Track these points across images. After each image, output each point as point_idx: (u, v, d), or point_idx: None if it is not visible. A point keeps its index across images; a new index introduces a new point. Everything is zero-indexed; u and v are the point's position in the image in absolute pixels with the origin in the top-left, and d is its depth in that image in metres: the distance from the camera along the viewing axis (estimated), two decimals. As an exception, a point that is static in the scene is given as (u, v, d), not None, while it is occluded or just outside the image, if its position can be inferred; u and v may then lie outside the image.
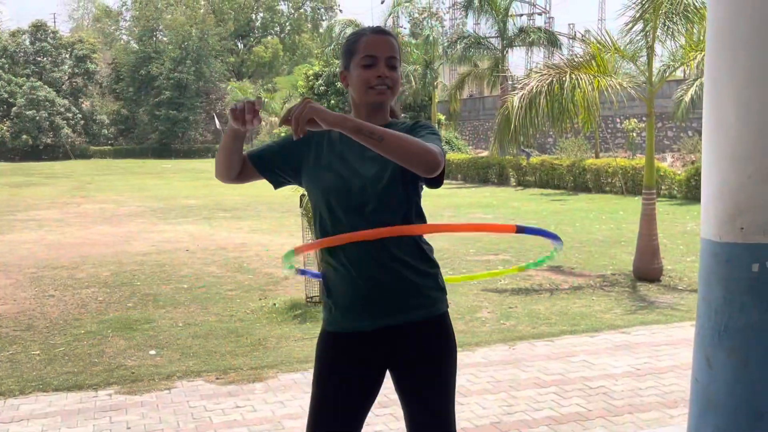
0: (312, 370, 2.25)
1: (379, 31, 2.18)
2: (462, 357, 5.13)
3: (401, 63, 2.20)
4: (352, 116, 1.95)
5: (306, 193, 2.22)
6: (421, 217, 2.20)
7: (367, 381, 2.19)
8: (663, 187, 17.69)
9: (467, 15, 27.52)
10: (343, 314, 2.14)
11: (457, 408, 4.17)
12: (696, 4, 7.71)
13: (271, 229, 12.56)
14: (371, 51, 2.12)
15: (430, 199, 20.91)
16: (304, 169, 2.18)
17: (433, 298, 2.16)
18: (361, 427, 2.19)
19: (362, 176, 2.10)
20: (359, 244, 2.06)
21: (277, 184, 2.25)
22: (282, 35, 64.42)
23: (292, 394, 4.42)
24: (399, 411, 3.75)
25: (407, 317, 2.12)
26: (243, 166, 2.17)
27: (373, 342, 2.15)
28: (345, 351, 2.16)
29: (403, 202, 2.13)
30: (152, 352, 5.43)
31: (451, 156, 26.85)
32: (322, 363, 2.20)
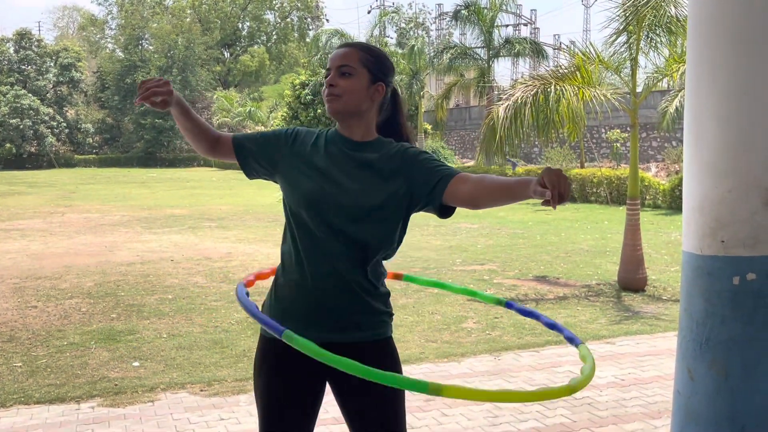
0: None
1: (343, 45, 2.22)
2: (448, 368, 5.14)
3: (380, 72, 2.18)
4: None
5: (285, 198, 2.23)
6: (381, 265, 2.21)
7: (310, 391, 2.17)
8: (647, 197, 17.83)
9: (456, 25, 27.68)
10: (289, 321, 2.09)
11: (443, 420, 4.18)
12: (679, 16, 7.81)
13: (257, 239, 12.52)
14: (329, 63, 2.18)
15: (416, 209, 20.67)
16: (283, 168, 2.18)
17: (382, 320, 2.17)
18: None
19: (352, 194, 2.10)
20: (322, 259, 2.08)
21: (250, 175, 2.27)
22: (268, 44, 64.39)
23: (277, 406, 4.39)
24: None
25: (354, 336, 2.12)
26: (223, 145, 2.23)
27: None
28: (288, 358, 2.12)
29: (390, 234, 2.14)
30: (136, 363, 5.39)
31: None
32: (266, 371, 2.17)
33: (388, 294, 2.22)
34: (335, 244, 2.08)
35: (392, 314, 2.24)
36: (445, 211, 2.12)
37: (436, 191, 2.07)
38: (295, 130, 2.24)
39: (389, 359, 2.16)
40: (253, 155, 2.21)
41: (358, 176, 2.11)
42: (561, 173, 1.77)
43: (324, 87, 2.17)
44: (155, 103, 2.06)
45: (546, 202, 1.77)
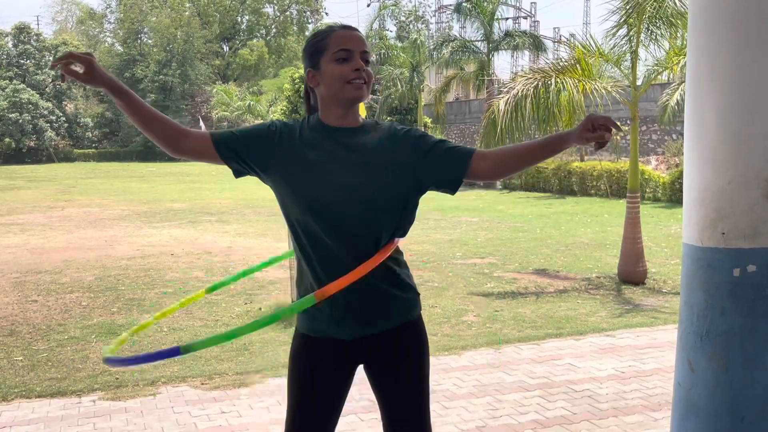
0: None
1: (348, 27, 2.10)
2: (448, 361, 5.15)
3: (372, 60, 2.16)
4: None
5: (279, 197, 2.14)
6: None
7: (343, 384, 2.21)
8: (647, 190, 17.83)
9: (459, 18, 27.59)
10: (321, 320, 2.12)
11: (443, 412, 4.19)
12: (679, 9, 7.79)
13: (256, 233, 12.52)
14: (345, 45, 2.03)
15: (416, 203, 20.86)
16: (273, 169, 2.08)
17: (410, 303, 2.18)
18: (334, 428, 2.22)
19: (368, 189, 2.04)
20: (335, 262, 2.04)
21: (238, 173, 2.13)
22: (268, 38, 64.29)
23: (278, 399, 4.41)
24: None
25: (384, 326, 2.13)
26: (195, 142, 2.06)
27: (351, 349, 2.15)
28: (323, 355, 2.16)
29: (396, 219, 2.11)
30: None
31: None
32: (300, 366, 2.19)
33: (407, 271, 2.19)
34: (347, 245, 2.03)
35: (416, 291, 2.22)
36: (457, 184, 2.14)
37: (456, 175, 2.09)
38: (276, 127, 2.11)
39: (419, 340, 2.20)
40: (240, 156, 2.07)
41: (361, 169, 2.04)
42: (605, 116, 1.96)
43: (352, 69, 2.02)
44: (74, 72, 1.95)
45: (599, 145, 1.96)
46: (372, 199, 2.03)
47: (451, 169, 2.09)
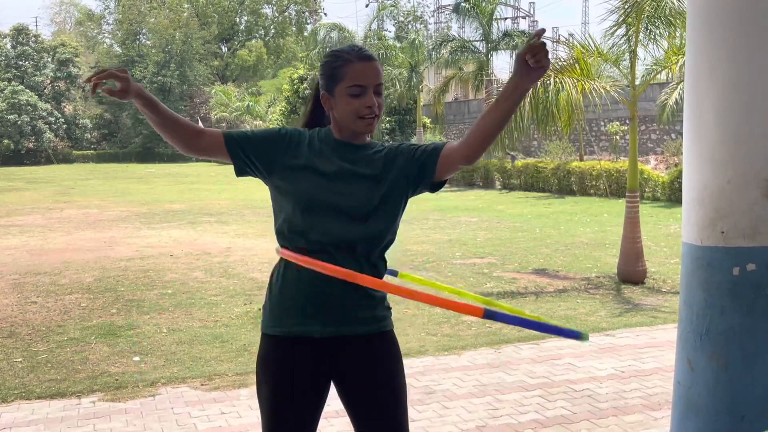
0: None
1: (365, 57, 2.11)
2: (448, 361, 5.15)
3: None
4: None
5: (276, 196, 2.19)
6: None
7: (316, 387, 2.16)
8: (647, 190, 17.83)
9: (458, 18, 27.61)
10: (292, 316, 2.10)
11: (443, 412, 4.19)
12: (678, 8, 7.79)
13: (256, 234, 12.52)
14: (360, 80, 2.07)
15: (415, 203, 20.92)
16: (279, 170, 2.13)
17: (383, 314, 2.18)
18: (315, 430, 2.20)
19: (358, 194, 2.10)
20: (327, 253, 2.07)
21: (241, 172, 2.17)
22: (266, 39, 64.25)
23: (278, 399, 4.40)
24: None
25: (356, 329, 2.13)
26: (208, 140, 2.11)
27: (320, 349, 2.12)
28: (294, 357, 2.12)
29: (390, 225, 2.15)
30: (136, 358, 5.39)
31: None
32: (272, 370, 2.14)
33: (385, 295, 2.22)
34: (346, 254, 2.08)
35: (390, 308, 2.24)
36: (436, 186, 2.17)
37: (427, 171, 2.12)
38: (287, 133, 2.16)
39: (395, 349, 2.20)
40: (247, 155, 2.12)
41: (358, 182, 2.11)
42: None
43: (365, 106, 2.08)
44: (111, 91, 1.98)
45: (541, 68, 1.96)
46: (369, 211, 2.09)
47: (426, 166, 2.13)
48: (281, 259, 2.18)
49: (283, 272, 2.15)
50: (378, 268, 2.16)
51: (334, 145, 2.16)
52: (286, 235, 2.14)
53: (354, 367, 2.14)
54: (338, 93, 2.11)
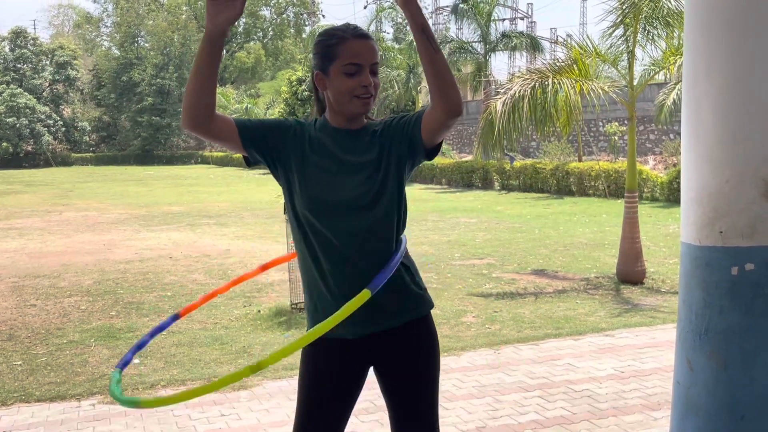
0: (297, 377, 2.25)
1: (360, 35, 2.07)
2: (447, 362, 5.14)
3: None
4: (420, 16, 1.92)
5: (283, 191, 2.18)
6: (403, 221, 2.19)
7: (352, 384, 2.21)
8: (645, 190, 17.84)
9: (456, 19, 27.64)
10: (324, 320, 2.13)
11: (443, 413, 4.18)
12: (676, 9, 7.80)
13: (255, 235, 12.51)
14: (355, 59, 2.03)
15: (414, 204, 20.87)
16: (285, 163, 2.12)
17: (414, 303, 2.18)
18: (344, 429, 2.23)
19: (353, 188, 2.08)
20: (337, 258, 2.07)
21: (253, 161, 2.14)
22: (265, 41, 64.26)
23: (278, 401, 4.40)
24: (384, 417, 3.74)
25: (389, 323, 2.14)
26: (224, 123, 2.02)
27: (359, 347, 2.17)
28: (331, 357, 2.17)
29: (395, 208, 2.13)
30: (136, 360, 5.39)
31: (436, 161, 26.89)
32: (308, 368, 2.20)
33: (413, 269, 2.20)
34: (353, 244, 2.07)
35: (423, 289, 2.21)
36: (432, 152, 2.11)
37: (417, 143, 2.06)
38: (291, 124, 2.16)
39: (427, 338, 2.20)
40: (258, 144, 2.09)
41: (360, 172, 2.09)
42: None
43: (360, 85, 2.03)
44: (226, 16, 1.85)
45: None
46: (374, 198, 2.07)
47: (414, 139, 2.07)
48: (301, 261, 2.18)
49: (310, 278, 2.15)
50: (392, 248, 2.12)
51: (332, 134, 2.12)
52: (300, 238, 2.13)
53: (390, 359, 2.17)
54: (333, 72, 2.05)
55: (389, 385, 2.20)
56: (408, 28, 32.71)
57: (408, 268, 2.20)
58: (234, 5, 1.85)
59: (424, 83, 33.89)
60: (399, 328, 2.15)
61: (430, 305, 2.23)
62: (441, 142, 2.11)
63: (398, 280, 2.13)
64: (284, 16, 65.61)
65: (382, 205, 2.08)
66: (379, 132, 2.13)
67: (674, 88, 16.34)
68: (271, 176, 2.27)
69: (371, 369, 2.25)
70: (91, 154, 50.94)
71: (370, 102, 2.08)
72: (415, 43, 1.98)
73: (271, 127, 2.12)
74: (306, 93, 33.27)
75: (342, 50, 2.04)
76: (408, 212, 2.22)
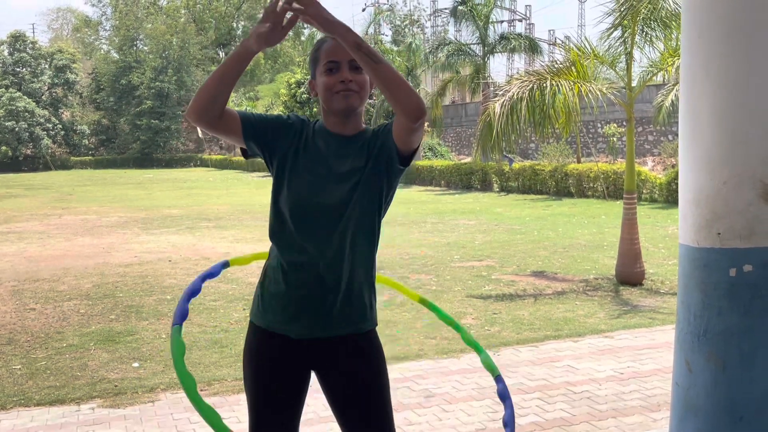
0: None
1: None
2: (447, 364, 5.15)
3: None
4: (354, 32, 1.96)
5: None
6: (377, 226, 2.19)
7: (296, 383, 2.19)
8: (644, 191, 17.86)
9: (455, 22, 27.69)
10: (274, 313, 2.14)
11: (443, 416, 4.19)
12: (674, 10, 7.81)
13: (254, 238, 12.52)
14: (333, 56, 2.10)
15: (413, 206, 20.83)
16: (280, 159, 2.14)
17: (362, 316, 2.17)
18: (298, 426, 2.22)
19: (337, 192, 2.10)
20: (303, 257, 2.09)
21: (251, 153, 2.17)
22: (264, 43, 64.25)
23: (277, 404, 4.40)
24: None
25: (331, 332, 2.14)
26: (230, 117, 2.08)
27: (298, 349, 2.16)
28: (273, 350, 2.16)
29: (374, 214, 2.14)
30: (135, 364, 5.39)
31: (435, 162, 26.92)
32: (253, 359, 2.19)
33: (371, 284, 2.20)
34: (321, 246, 2.09)
35: (372, 306, 2.22)
36: (407, 159, 2.11)
37: (392, 152, 2.09)
38: (292, 120, 2.18)
39: (372, 347, 2.19)
40: (258, 137, 2.13)
41: (347, 180, 2.10)
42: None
43: (338, 81, 2.07)
44: (273, 34, 1.95)
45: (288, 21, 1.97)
46: (353, 206, 2.09)
47: (389, 149, 2.10)
48: (272, 250, 2.20)
49: (274, 268, 2.17)
50: (368, 260, 2.15)
51: (326, 137, 2.16)
52: (275, 232, 2.16)
53: (332, 366, 2.16)
54: (318, 75, 2.14)
55: (335, 395, 2.18)
56: (406, 29, 32.83)
57: (371, 286, 2.19)
58: (282, 34, 1.98)
59: (423, 85, 33.93)
60: (341, 338, 2.14)
61: (374, 323, 2.23)
62: (416, 149, 2.12)
63: (356, 294, 2.13)
64: (283, 18, 65.58)
65: (357, 215, 2.09)
66: (369, 139, 2.15)
67: (672, 89, 16.32)
68: (270, 179, 2.28)
69: (313, 376, 2.24)
70: (90, 157, 50.94)
71: (351, 97, 2.09)
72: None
73: (272, 123, 2.16)
74: (305, 96, 33.31)
75: (322, 52, 2.14)
76: (396, 218, 2.22)
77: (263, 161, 2.20)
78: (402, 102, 1.93)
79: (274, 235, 2.16)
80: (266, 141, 2.14)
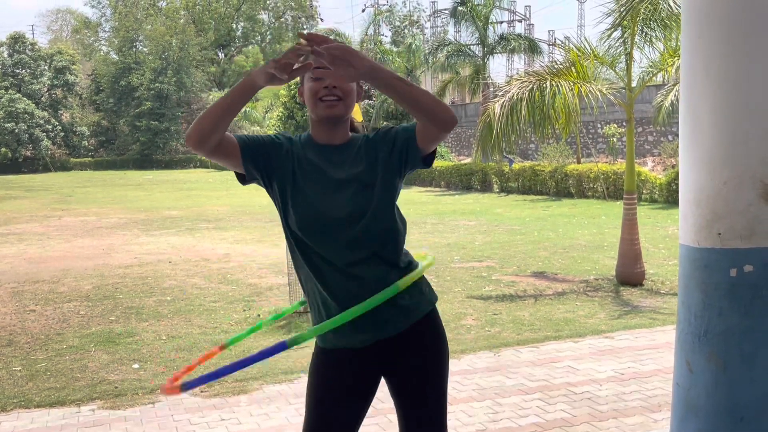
0: (302, 382, 2.26)
1: None
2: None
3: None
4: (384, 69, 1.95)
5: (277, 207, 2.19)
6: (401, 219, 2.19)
7: (363, 392, 2.21)
8: (644, 192, 17.85)
9: (454, 22, 27.70)
10: (334, 333, 2.12)
11: (443, 416, 4.17)
12: (674, 10, 7.81)
13: (254, 239, 12.51)
14: (316, 64, 2.03)
15: (413, 207, 20.81)
16: (279, 180, 2.12)
17: (414, 304, 2.17)
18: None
19: (345, 207, 2.08)
20: (336, 275, 2.09)
21: (249, 179, 2.14)
22: (263, 44, 64.29)
23: (277, 405, 4.40)
24: (383, 421, 3.74)
25: (394, 329, 2.14)
26: (228, 142, 2.04)
27: (367, 355, 2.16)
28: (340, 367, 2.17)
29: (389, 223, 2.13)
30: (135, 365, 5.39)
31: (435, 163, 26.87)
32: (317, 379, 2.20)
33: (408, 267, 2.17)
34: (345, 255, 2.07)
35: (422, 291, 2.20)
36: (429, 160, 2.13)
37: (412, 154, 2.08)
38: (280, 140, 2.15)
39: (432, 335, 2.21)
40: (256, 162, 2.11)
41: (347, 188, 2.09)
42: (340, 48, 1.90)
43: (322, 87, 2.05)
44: (279, 77, 1.93)
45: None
46: (366, 211, 2.07)
47: (410, 151, 2.09)
48: (303, 283, 2.20)
49: (314, 296, 2.16)
50: (395, 257, 2.14)
51: (316, 150, 2.14)
52: (300, 263, 2.15)
53: (398, 362, 2.18)
54: (305, 81, 2.11)
55: (397, 388, 2.21)
56: (406, 30, 32.79)
57: (407, 270, 2.18)
58: (292, 76, 1.94)
59: (423, 86, 33.94)
60: (402, 332, 2.15)
61: (431, 303, 2.23)
62: (436, 149, 2.13)
63: (397, 295, 2.12)
64: (282, 19, 65.68)
65: (376, 217, 2.08)
66: (364, 146, 2.14)
67: (672, 89, 16.34)
68: None
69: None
70: (89, 158, 50.93)
71: (336, 105, 2.07)
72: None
73: (268, 144, 2.13)
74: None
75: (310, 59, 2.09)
76: (406, 217, 2.23)
77: (262, 186, 2.17)
78: (439, 117, 1.97)
79: (297, 258, 2.14)
80: (265, 163, 2.11)
